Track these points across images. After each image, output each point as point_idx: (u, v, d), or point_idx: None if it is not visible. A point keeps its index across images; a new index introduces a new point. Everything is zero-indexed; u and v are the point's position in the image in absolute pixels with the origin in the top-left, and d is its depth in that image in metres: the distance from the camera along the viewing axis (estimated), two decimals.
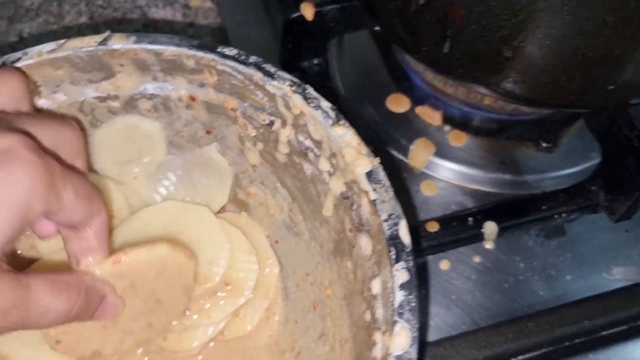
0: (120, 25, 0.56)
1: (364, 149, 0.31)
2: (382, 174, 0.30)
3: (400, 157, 0.47)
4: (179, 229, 0.39)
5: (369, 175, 0.30)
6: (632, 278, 0.42)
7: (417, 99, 0.48)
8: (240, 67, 0.34)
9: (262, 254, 0.40)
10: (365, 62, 0.50)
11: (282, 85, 0.33)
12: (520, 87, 0.35)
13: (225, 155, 0.39)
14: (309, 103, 0.32)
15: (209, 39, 0.55)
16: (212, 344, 0.39)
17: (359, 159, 0.30)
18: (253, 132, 0.37)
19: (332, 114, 0.32)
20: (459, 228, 0.40)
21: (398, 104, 0.49)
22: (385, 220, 0.29)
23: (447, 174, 0.46)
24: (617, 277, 0.42)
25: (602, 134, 0.42)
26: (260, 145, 0.37)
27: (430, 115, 0.48)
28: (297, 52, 0.45)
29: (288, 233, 0.40)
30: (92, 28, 0.56)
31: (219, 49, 0.34)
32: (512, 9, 0.30)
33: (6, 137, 0.26)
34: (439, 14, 0.33)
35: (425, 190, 0.46)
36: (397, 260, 0.28)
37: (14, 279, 0.26)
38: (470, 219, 0.40)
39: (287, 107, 0.33)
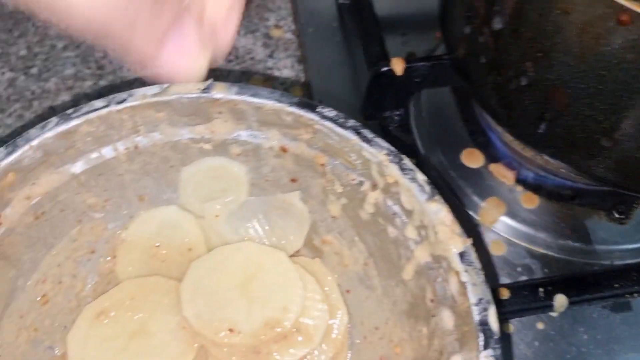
0: None
1: (458, 228, 0.31)
2: (473, 256, 0.31)
3: (470, 212, 0.47)
4: (255, 271, 0.40)
5: (462, 255, 0.31)
6: None
7: (492, 156, 0.48)
8: (338, 130, 0.34)
9: (333, 303, 0.41)
10: (442, 114, 0.51)
11: (378, 153, 0.34)
12: (611, 174, 0.35)
13: (306, 203, 0.40)
14: (404, 174, 0.33)
15: (287, 71, 0.56)
16: None
17: (452, 238, 0.31)
18: (340, 189, 0.37)
19: (427, 188, 0.32)
20: (529, 298, 0.40)
21: (472, 159, 0.49)
22: (475, 305, 0.29)
23: (516, 235, 0.46)
24: None
25: None
26: (344, 200, 0.38)
27: (504, 174, 0.48)
28: (380, 103, 0.45)
29: (360, 285, 0.40)
30: None
31: (319, 109, 0.35)
32: (619, 104, 0.30)
33: None
34: (540, 96, 0.33)
35: (493, 249, 0.46)
36: (486, 347, 0.28)
37: None
38: (541, 289, 0.40)
39: (381, 173, 0.34)
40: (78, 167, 0.37)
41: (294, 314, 0.39)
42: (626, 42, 0.28)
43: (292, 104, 0.35)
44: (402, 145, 0.45)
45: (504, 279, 0.44)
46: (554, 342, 0.42)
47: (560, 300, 0.40)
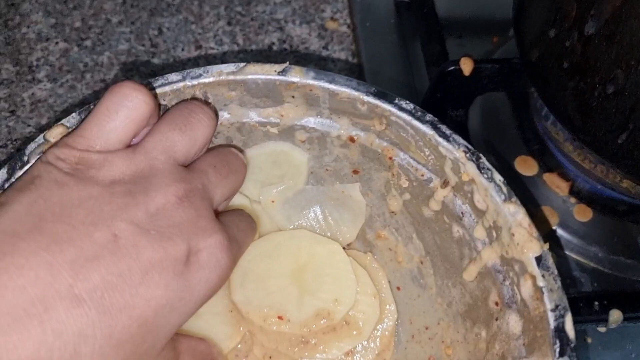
0: (256, 35, 0.57)
1: (535, 232, 0.31)
2: (551, 261, 0.30)
3: None
4: (307, 259, 0.40)
5: (538, 260, 0.30)
6: None
7: (547, 165, 0.48)
8: (415, 123, 0.34)
9: (383, 299, 0.40)
10: (496, 119, 0.50)
11: (455, 150, 0.33)
12: None
13: (365, 196, 0.40)
14: (482, 173, 0.32)
15: (342, 64, 0.55)
16: None
17: (530, 242, 0.30)
18: (405, 184, 0.37)
19: (504, 189, 0.32)
20: (584, 310, 0.39)
21: (526, 166, 0.48)
22: (552, 310, 0.29)
23: (567, 247, 0.46)
24: None
25: None
26: (407, 196, 0.38)
27: (558, 185, 0.47)
28: (442, 103, 0.45)
29: (412, 283, 0.40)
30: (228, 34, 0.57)
31: (397, 101, 0.34)
32: None
33: (211, 237, 0.30)
34: (627, 105, 0.32)
35: None
36: (562, 354, 0.28)
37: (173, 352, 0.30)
38: (597, 303, 0.39)
39: (456, 171, 0.34)
40: None
41: (346, 306, 0.38)
42: None
43: (369, 93, 0.35)
44: None
45: None
46: (601, 357, 0.42)
47: (616, 315, 0.39)
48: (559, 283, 0.29)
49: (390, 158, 0.37)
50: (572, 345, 0.28)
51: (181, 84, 0.35)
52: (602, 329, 0.43)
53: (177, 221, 0.29)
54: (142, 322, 0.27)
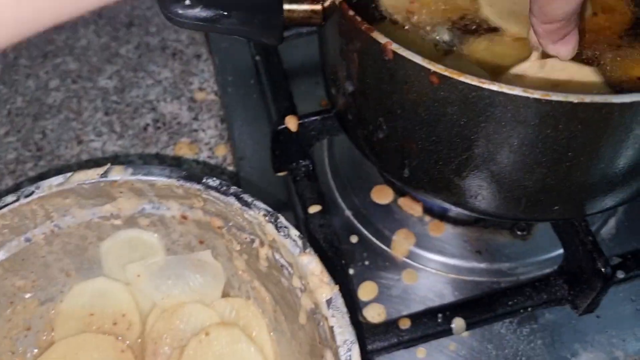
0: (132, 120, 0.61)
1: (326, 277, 0.35)
2: (340, 301, 0.34)
3: (384, 247, 0.50)
4: None
5: (329, 302, 0.34)
6: None
7: (400, 191, 0.52)
8: (222, 197, 0.38)
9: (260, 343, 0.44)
10: (352, 156, 0.54)
11: (257, 215, 0.37)
12: (475, 205, 0.38)
13: (217, 260, 0.44)
14: (279, 232, 0.36)
15: (212, 131, 0.60)
16: None
17: (321, 287, 0.34)
18: (237, 247, 0.41)
19: (299, 242, 0.36)
20: (429, 324, 0.43)
21: (382, 195, 0.52)
22: (341, 346, 0.33)
23: (427, 264, 0.50)
24: None
25: (563, 235, 0.45)
26: (245, 256, 0.42)
27: (412, 207, 0.51)
28: (285, 157, 0.49)
29: (273, 330, 0.44)
30: (107, 124, 0.61)
31: (204, 180, 0.39)
32: (456, 150, 0.34)
33: None
34: (397, 146, 0.37)
35: (407, 279, 0.49)
36: None
37: None
38: (440, 315, 0.43)
39: (263, 232, 0.38)
40: (0, 255, 0.41)
41: None
42: (441, 98, 0.32)
43: (180, 178, 0.39)
44: (311, 191, 0.49)
45: (418, 307, 0.47)
46: None
47: (459, 323, 0.43)
48: (347, 320, 0.33)
49: (219, 227, 0.41)
50: None
51: (17, 204, 0.39)
52: (465, 334, 0.46)
53: None
54: None
